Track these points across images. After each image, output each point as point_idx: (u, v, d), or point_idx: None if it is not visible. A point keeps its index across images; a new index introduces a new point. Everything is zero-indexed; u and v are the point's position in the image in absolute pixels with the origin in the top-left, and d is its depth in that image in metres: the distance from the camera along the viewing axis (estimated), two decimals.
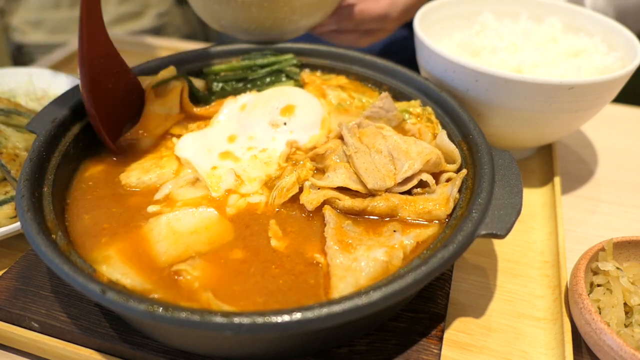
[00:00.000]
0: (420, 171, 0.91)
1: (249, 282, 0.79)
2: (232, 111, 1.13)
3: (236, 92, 1.20)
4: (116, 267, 0.79)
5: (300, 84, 1.22)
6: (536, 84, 1.05)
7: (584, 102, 1.09)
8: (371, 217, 0.89)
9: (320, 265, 0.81)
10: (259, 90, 1.19)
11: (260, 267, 0.81)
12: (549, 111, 1.10)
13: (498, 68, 1.17)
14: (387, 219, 0.89)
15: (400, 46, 1.58)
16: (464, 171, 0.92)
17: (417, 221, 0.88)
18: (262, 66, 1.23)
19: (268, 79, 1.23)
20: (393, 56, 1.29)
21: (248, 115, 1.10)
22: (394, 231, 0.85)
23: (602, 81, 1.06)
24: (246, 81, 1.23)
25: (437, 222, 0.88)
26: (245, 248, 0.85)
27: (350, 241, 0.83)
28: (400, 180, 0.90)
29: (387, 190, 0.90)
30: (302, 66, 1.26)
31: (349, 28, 1.43)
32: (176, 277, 0.79)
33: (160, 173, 0.98)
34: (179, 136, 1.08)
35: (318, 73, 1.25)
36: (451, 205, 0.87)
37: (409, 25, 1.42)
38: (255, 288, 0.78)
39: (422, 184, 0.92)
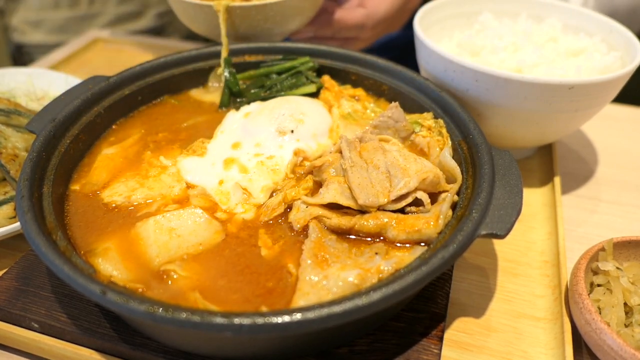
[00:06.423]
0: (416, 189, 0.87)
1: (231, 283, 0.80)
2: (235, 120, 1.11)
3: (255, 95, 1.21)
4: (111, 262, 0.81)
5: (321, 86, 1.20)
6: (536, 83, 1.05)
7: (584, 101, 1.09)
8: (358, 236, 0.86)
9: (291, 276, 0.81)
10: (278, 94, 1.19)
11: (241, 271, 0.82)
12: (549, 111, 1.10)
13: (498, 68, 1.17)
14: (372, 239, 0.86)
15: (395, 45, 1.59)
16: (454, 186, 0.89)
17: (403, 245, 0.84)
18: (280, 72, 1.23)
19: (288, 82, 1.21)
20: (385, 53, 1.29)
21: (252, 122, 1.08)
22: (376, 253, 0.82)
23: (602, 81, 1.06)
24: (264, 87, 1.22)
25: (424, 245, 0.83)
26: (233, 252, 0.85)
27: (327, 256, 0.81)
28: (394, 198, 0.86)
29: (380, 207, 0.87)
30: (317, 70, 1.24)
31: (327, 35, 1.49)
32: (165, 276, 0.81)
33: (147, 194, 0.94)
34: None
35: (338, 83, 1.23)
36: (441, 222, 0.83)
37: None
38: (233, 289, 0.79)
39: (417, 203, 0.88)
